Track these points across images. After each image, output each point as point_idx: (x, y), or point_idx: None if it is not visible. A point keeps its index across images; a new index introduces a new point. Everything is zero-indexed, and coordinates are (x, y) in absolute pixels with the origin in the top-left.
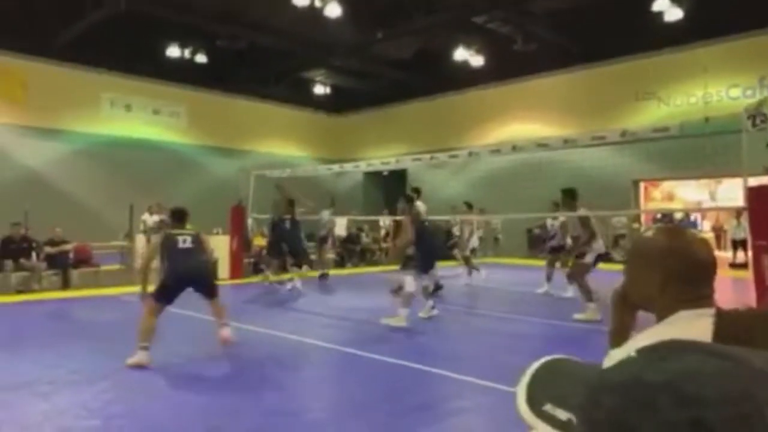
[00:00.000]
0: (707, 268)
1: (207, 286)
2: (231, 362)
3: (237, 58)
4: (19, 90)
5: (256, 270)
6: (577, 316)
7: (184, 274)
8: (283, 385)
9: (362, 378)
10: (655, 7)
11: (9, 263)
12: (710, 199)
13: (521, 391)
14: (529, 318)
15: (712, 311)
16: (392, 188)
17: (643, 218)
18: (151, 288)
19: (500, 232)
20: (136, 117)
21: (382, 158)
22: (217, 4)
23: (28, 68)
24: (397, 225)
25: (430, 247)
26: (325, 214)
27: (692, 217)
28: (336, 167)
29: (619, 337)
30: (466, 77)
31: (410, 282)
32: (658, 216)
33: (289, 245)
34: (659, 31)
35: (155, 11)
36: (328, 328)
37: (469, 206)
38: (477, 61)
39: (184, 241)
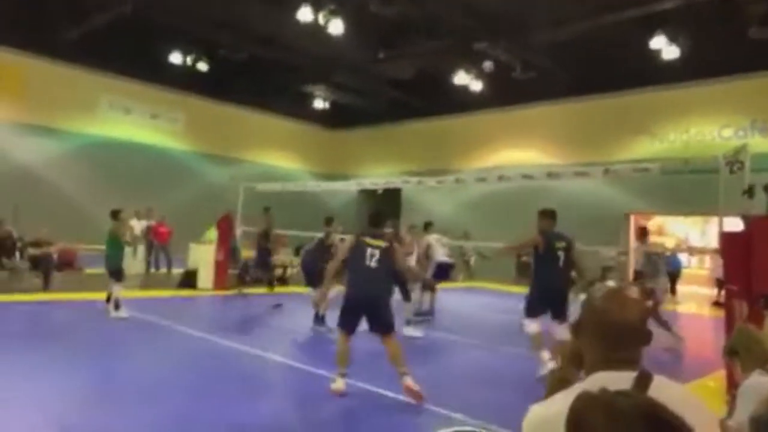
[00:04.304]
0: (628, 333)
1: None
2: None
3: (238, 68)
4: (19, 87)
5: (242, 281)
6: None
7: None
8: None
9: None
10: (653, 44)
11: None
12: (701, 236)
13: None
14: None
15: (630, 375)
16: (388, 206)
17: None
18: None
19: (473, 256)
20: (133, 120)
21: (377, 176)
22: (220, 15)
23: (29, 65)
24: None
25: None
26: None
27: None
28: (324, 184)
29: (557, 387)
30: (465, 101)
31: None
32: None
33: None
34: (657, 68)
35: (160, 17)
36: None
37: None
38: (476, 86)
39: (372, 257)
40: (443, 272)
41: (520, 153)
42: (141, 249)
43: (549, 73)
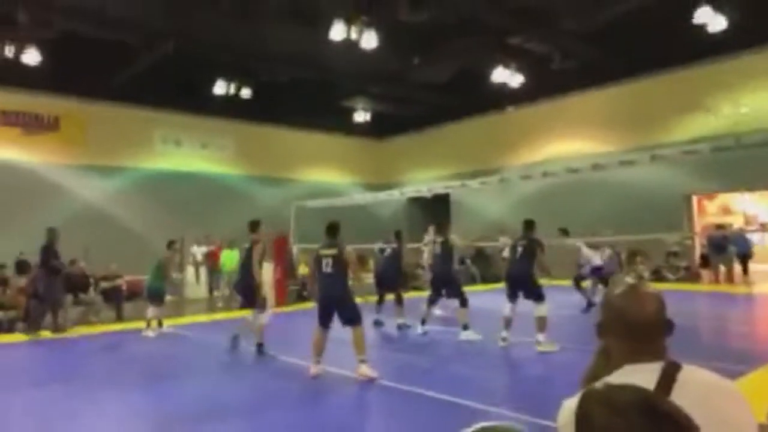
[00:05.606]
0: (648, 327)
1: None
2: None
3: (280, 91)
4: (80, 131)
5: (300, 297)
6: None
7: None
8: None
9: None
10: (698, 18)
11: (69, 298)
12: None
13: None
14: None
15: (656, 366)
16: (437, 211)
17: (697, 234)
18: None
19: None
20: (185, 152)
21: (425, 181)
22: (256, 43)
23: (86, 110)
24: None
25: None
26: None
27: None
28: (368, 196)
29: (589, 382)
30: (505, 97)
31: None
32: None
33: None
34: (703, 41)
35: (200, 51)
36: None
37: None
38: (515, 80)
39: (327, 265)
40: None
41: (567, 145)
42: (203, 274)
43: (589, 59)
